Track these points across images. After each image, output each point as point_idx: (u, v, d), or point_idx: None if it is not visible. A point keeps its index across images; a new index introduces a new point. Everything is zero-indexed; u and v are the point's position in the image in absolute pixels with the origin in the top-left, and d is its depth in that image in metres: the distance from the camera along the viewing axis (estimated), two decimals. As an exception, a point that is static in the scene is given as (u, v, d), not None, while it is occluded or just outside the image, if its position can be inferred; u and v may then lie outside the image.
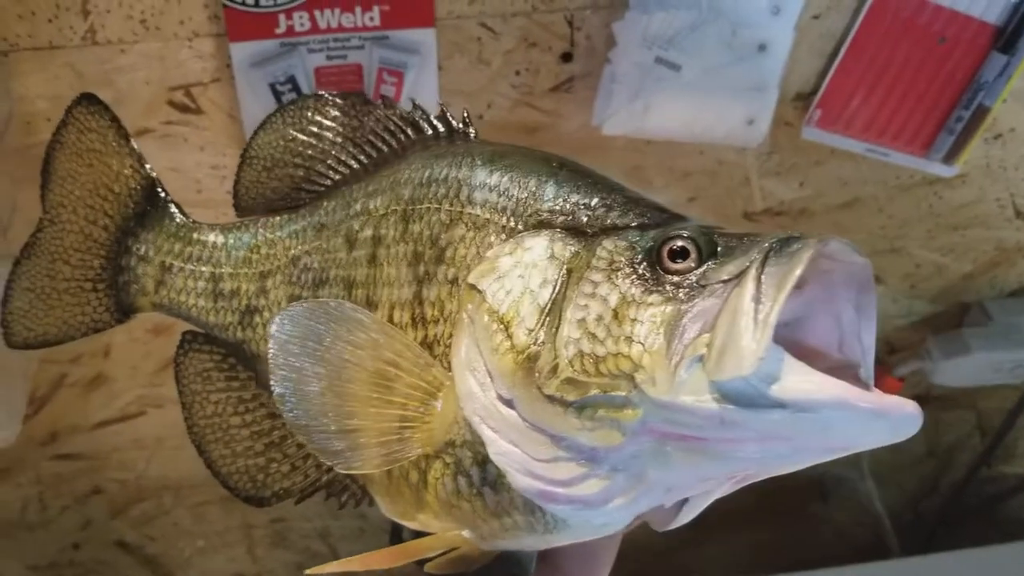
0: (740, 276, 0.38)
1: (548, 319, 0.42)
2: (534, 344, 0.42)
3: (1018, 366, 1.17)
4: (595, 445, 0.39)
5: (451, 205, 0.48)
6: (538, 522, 0.43)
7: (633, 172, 1.02)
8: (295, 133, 0.57)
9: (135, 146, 0.61)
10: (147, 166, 0.62)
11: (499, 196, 0.47)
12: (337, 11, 0.85)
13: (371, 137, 0.56)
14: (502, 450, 0.42)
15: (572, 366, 0.40)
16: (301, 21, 0.85)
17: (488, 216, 0.47)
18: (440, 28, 0.88)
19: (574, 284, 0.42)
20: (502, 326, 0.43)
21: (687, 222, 0.43)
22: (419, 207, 0.50)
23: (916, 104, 0.96)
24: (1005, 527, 1.41)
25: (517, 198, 0.47)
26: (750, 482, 0.42)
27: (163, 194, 0.62)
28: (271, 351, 0.44)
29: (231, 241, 0.59)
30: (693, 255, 0.40)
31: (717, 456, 0.38)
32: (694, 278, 0.39)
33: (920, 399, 1.28)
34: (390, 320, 0.49)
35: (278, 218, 0.58)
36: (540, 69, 0.94)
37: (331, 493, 0.55)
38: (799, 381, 0.35)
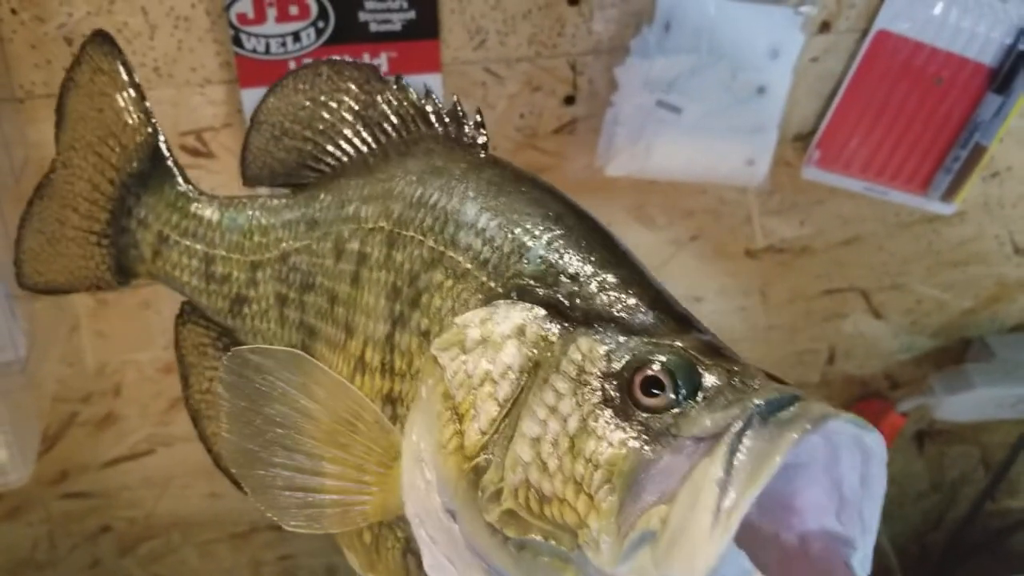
0: (714, 440, 0.31)
1: (504, 424, 0.36)
2: (484, 452, 0.36)
3: (1020, 401, 1.17)
4: None
5: (435, 242, 0.43)
6: None
7: (636, 211, 1.03)
8: (306, 102, 0.53)
9: (144, 97, 0.58)
10: (153, 121, 0.57)
11: (483, 244, 0.41)
12: (346, 58, 0.87)
13: (380, 120, 0.51)
14: (437, 563, 0.38)
15: (516, 497, 0.34)
16: (311, 67, 0.87)
17: (469, 266, 0.41)
18: (446, 73, 0.90)
19: (538, 386, 0.36)
20: (455, 417, 0.37)
21: (679, 341, 0.36)
22: (404, 233, 0.45)
23: (914, 144, 0.98)
24: (1010, 562, 1.41)
25: (502, 252, 0.41)
26: None
27: (167, 156, 0.57)
28: (220, 393, 0.41)
29: (226, 221, 0.55)
30: (669, 391, 0.33)
31: None
32: (666, 421, 0.33)
33: (924, 434, 1.29)
34: (361, 358, 0.44)
35: (274, 202, 0.54)
36: (544, 112, 0.95)
37: None
38: None
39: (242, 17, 0.83)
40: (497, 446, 0.36)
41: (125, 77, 0.57)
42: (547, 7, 0.89)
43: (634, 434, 0.33)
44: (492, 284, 0.40)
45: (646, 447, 0.33)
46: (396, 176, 0.47)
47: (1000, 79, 0.94)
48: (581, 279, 0.39)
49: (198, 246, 0.55)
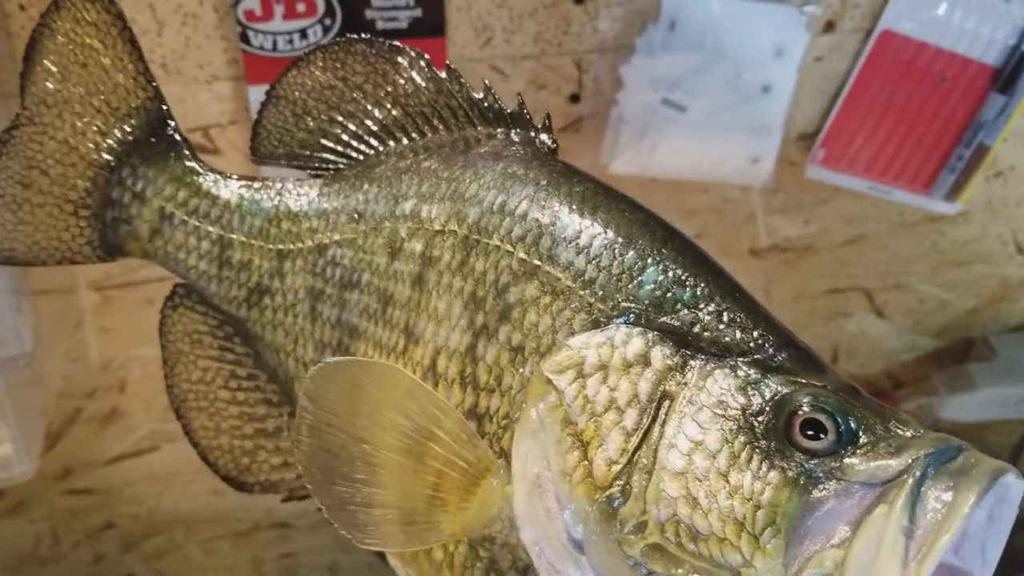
0: (887, 488, 0.32)
1: (638, 455, 0.35)
2: (617, 483, 0.35)
3: (1022, 401, 1.17)
4: None
5: (527, 253, 0.41)
6: None
7: (640, 210, 1.04)
8: (335, 81, 0.49)
9: (141, 56, 0.51)
10: (154, 84, 0.52)
11: (587, 262, 0.40)
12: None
13: (426, 111, 0.47)
14: None
15: (664, 531, 0.34)
16: (317, 64, 0.87)
17: (571, 284, 0.39)
18: (452, 71, 0.91)
19: (673, 417, 0.35)
20: (578, 444, 0.36)
21: (821, 381, 0.36)
22: (485, 241, 0.42)
23: (918, 143, 0.98)
24: (1014, 561, 1.41)
25: (610, 272, 0.39)
26: None
27: (172, 126, 0.52)
28: (304, 406, 0.39)
29: (247, 204, 0.51)
30: (831, 435, 0.34)
31: None
32: (828, 465, 0.33)
33: (926, 434, 1.29)
34: (432, 367, 0.42)
35: (305, 188, 0.50)
36: (549, 110, 0.96)
37: None
38: None
39: (250, 14, 0.84)
40: (633, 477, 0.35)
41: (115, 29, 0.51)
42: (553, 5, 0.89)
43: (794, 475, 0.33)
44: (600, 305, 0.39)
45: (810, 490, 0.33)
46: (464, 178, 0.44)
47: (1004, 79, 0.94)
48: (701, 309, 0.38)
49: (211, 228, 0.51)
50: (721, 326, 0.37)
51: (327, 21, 0.85)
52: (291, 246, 0.49)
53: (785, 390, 0.35)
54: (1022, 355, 1.18)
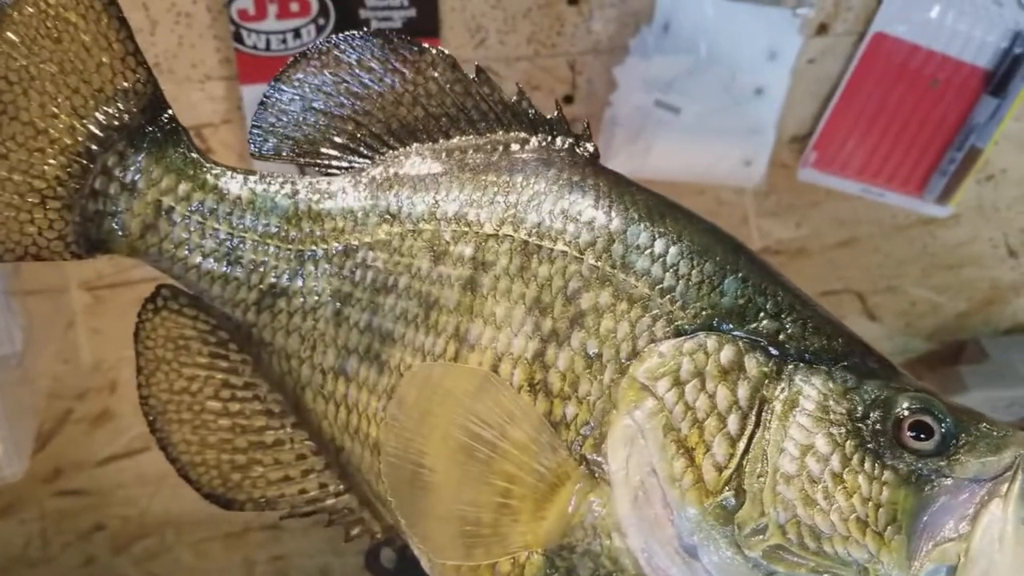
0: (995, 483, 0.34)
1: (746, 459, 0.36)
2: (728, 488, 0.36)
3: (1014, 403, 1.18)
4: None
5: (597, 260, 0.41)
6: None
7: (633, 212, 1.04)
8: (349, 76, 0.47)
9: (130, 35, 0.47)
10: (146, 67, 0.47)
11: (664, 271, 0.40)
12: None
13: (452, 112, 0.46)
14: None
15: (785, 533, 0.35)
16: (311, 64, 0.87)
17: (648, 291, 0.40)
18: (446, 71, 0.91)
19: (777, 422, 0.37)
20: (684, 450, 0.37)
21: (914, 384, 0.38)
22: (549, 246, 0.42)
23: (910, 146, 0.99)
24: None
25: (689, 281, 0.40)
26: None
27: (169, 114, 0.48)
28: (394, 414, 0.39)
29: (260, 200, 0.48)
30: (936, 435, 0.36)
31: None
32: (937, 464, 0.35)
33: (918, 436, 1.29)
34: (494, 371, 0.41)
35: (324, 186, 0.48)
36: (543, 111, 0.96)
37: (335, 520, 0.48)
38: None
39: (243, 13, 0.84)
40: (745, 481, 0.36)
41: (98, 4, 0.46)
42: (547, 6, 0.89)
43: (907, 475, 0.35)
44: (681, 313, 0.39)
45: (924, 488, 0.35)
46: (514, 182, 0.44)
47: (996, 82, 0.94)
48: (783, 318, 0.39)
49: (218, 225, 0.48)
50: (806, 334, 0.39)
51: (321, 21, 0.85)
52: (313, 247, 0.47)
53: (886, 394, 0.37)
54: (1013, 358, 1.19)
